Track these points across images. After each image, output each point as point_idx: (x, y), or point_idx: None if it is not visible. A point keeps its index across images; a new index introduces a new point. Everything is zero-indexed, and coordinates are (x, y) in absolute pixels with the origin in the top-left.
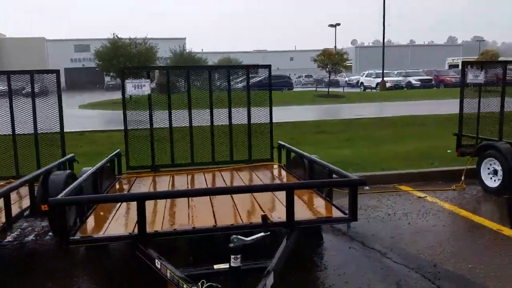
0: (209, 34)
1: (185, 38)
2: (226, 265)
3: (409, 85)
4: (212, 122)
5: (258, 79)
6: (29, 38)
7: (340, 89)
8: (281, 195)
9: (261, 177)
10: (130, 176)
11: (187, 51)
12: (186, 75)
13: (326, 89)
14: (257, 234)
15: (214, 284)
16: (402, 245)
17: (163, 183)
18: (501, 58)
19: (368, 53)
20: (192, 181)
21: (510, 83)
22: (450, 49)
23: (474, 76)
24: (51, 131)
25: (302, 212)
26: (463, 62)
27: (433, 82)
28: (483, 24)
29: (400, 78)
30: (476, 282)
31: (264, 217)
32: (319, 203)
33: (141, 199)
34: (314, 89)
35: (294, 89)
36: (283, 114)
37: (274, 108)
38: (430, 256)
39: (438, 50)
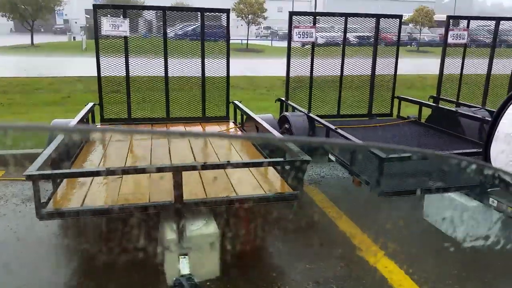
0: None
1: None
2: None
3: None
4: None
5: (214, 25)
6: None
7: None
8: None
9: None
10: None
11: None
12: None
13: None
14: None
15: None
16: None
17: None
18: (436, 17)
19: (339, 4)
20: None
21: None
22: (417, 4)
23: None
24: None
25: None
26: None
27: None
28: None
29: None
30: None
31: None
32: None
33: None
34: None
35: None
36: None
37: None
38: None
39: (407, 5)
